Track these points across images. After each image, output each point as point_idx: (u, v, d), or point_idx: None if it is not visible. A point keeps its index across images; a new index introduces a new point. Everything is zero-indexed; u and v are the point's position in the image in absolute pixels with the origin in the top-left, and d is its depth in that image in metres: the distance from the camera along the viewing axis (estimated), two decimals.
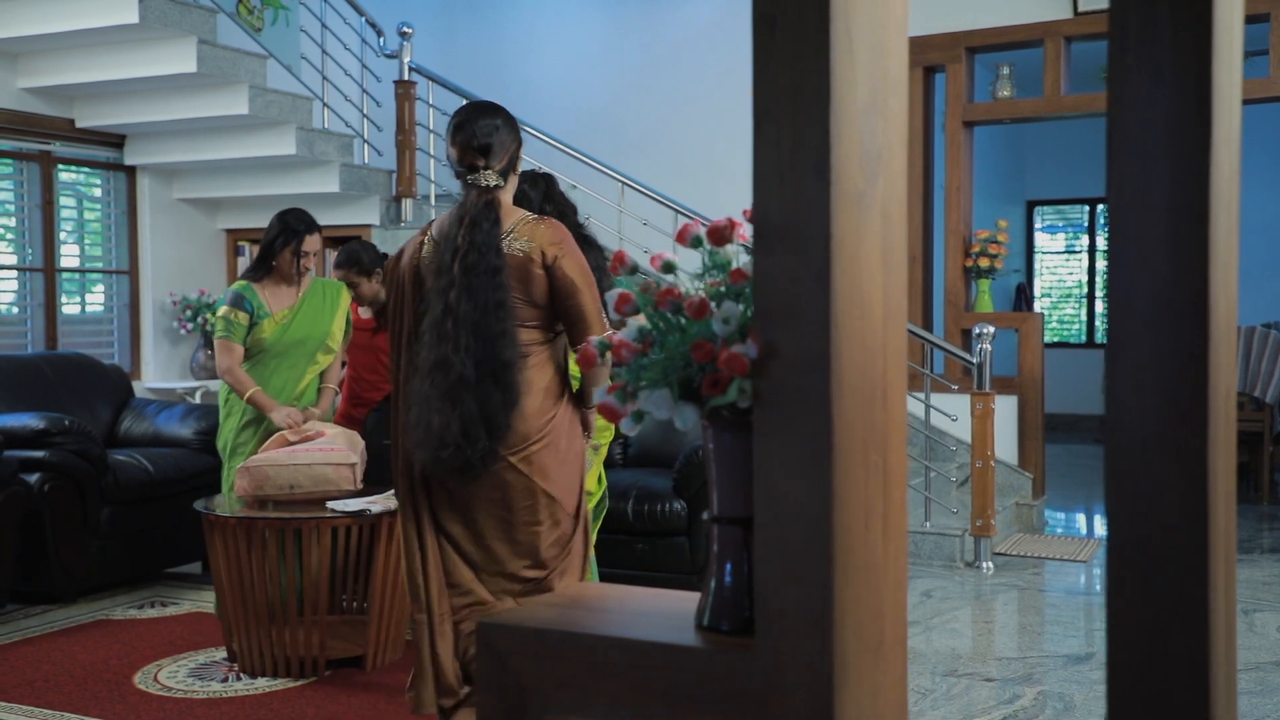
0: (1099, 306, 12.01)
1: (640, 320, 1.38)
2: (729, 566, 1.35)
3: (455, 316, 2.80)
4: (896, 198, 1.39)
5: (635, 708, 1.34)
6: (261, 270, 4.35)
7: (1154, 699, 1.06)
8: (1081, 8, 6.33)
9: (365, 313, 4.97)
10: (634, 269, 1.38)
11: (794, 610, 1.23)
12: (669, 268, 1.41)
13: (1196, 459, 1.05)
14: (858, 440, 1.27)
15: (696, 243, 1.39)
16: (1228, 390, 1.12)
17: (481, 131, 2.94)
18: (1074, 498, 7.60)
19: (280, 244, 4.33)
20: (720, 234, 1.30)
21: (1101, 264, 12.00)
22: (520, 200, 3.91)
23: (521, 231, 2.93)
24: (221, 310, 4.29)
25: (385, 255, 4.92)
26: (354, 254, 4.83)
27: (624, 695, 1.34)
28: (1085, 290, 12.07)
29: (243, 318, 4.28)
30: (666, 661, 1.31)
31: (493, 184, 2.94)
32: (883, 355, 1.35)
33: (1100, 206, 11.87)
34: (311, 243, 4.38)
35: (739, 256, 1.38)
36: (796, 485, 1.22)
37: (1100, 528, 6.78)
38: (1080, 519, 7.06)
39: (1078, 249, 12.13)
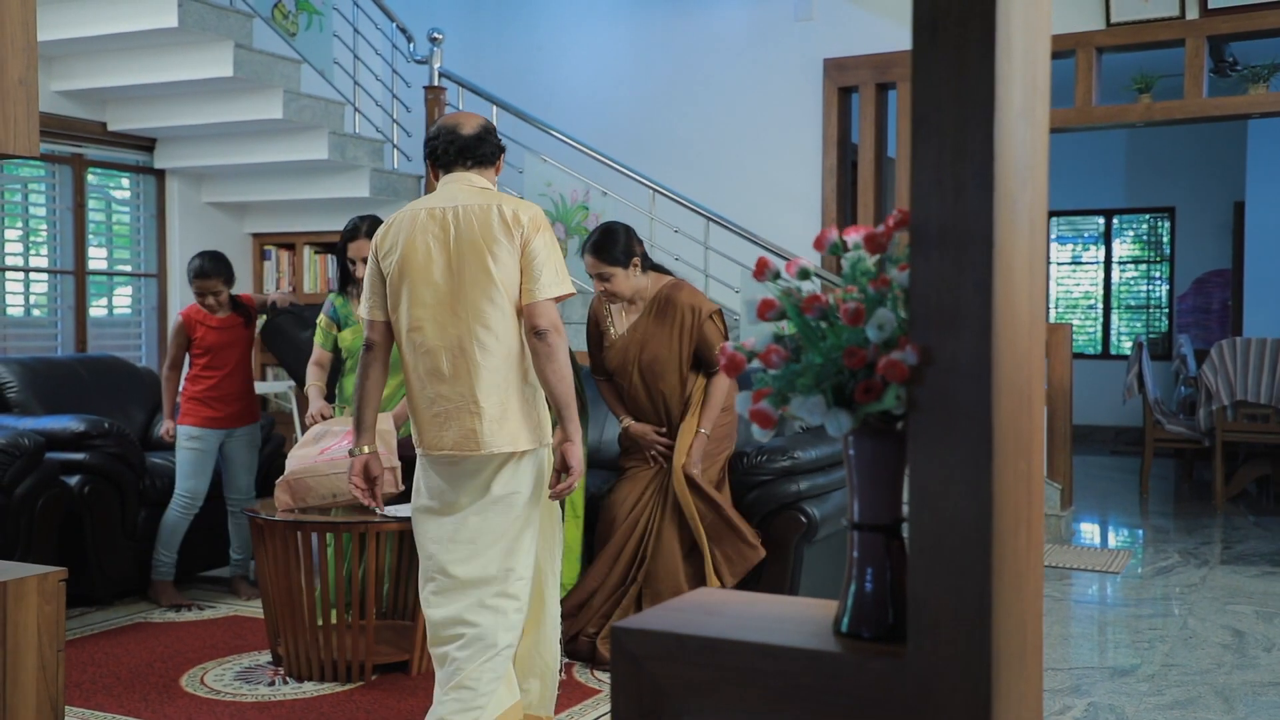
0: (1115, 319, 12.00)
1: (773, 327, 1.38)
2: (870, 573, 1.35)
3: None
4: (1040, 205, 1.39)
5: (776, 713, 1.33)
6: (345, 281, 4.58)
7: None
8: (1114, 19, 6.34)
9: (224, 312, 4.96)
10: (776, 274, 1.38)
11: (950, 617, 1.22)
12: (805, 274, 1.41)
13: None
14: (1010, 447, 1.27)
15: (836, 249, 1.39)
16: None
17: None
18: (1099, 508, 7.59)
19: (338, 250, 4.47)
20: (877, 241, 1.30)
21: (1118, 275, 11.99)
22: None
23: None
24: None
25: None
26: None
27: (765, 701, 1.33)
28: (1098, 301, 12.06)
29: (326, 323, 4.55)
30: (812, 667, 1.30)
31: None
32: (1028, 361, 1.35)
33: (1116, 217, 11.87)
34: (355, 249, 4.41)
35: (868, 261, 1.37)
36: (955, 492, 1.22)
37: (1114, 539, 6.77)
38: (1108, 530, 7.05)
39: (1084, 260, 12.13)
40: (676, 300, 4.21)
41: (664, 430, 4.24)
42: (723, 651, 1.35)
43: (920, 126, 1.23)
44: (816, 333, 1.32)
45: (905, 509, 1.34)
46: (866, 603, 1.35)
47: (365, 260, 4.43)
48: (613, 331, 4.29)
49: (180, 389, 4.95)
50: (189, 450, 4.85)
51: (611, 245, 4.11)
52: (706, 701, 1.37)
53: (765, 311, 1.35)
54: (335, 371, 4.61)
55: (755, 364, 1.35)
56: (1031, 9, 1.30)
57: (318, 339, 4.57)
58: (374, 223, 4.43)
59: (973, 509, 1.21)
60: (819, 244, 1.40)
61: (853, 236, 1.38)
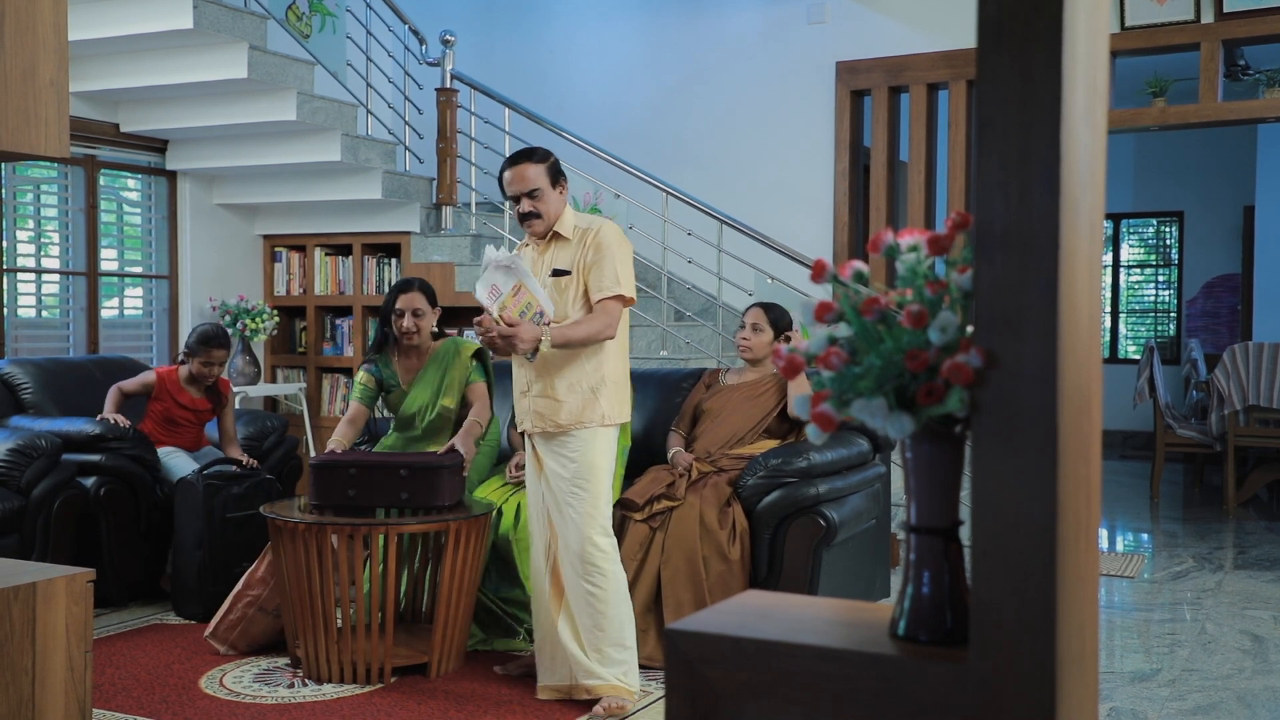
0: (1121, 324, 11.99)
1: (824, 330, 1.37)
2: (927, 576, 1.34)
3: None
4: (1098, 208, 1.39)
5: (833, 717, 1.33)
6: (383, 342, 4.55)
7: None
8: (1129, 22, 6.34)
9: (197, 393, 5.14)
10: (834, 277, 1.37)
11: (1014, 622, 1.22)
12: (860, 277, 1.40)
13: None
14: (1073, 450, 1.26)
15: (892, 252, 1.39)
16: None
17: None
18: (1109, 513, 7.59)
19: (386, 307, 4.52)
20: (940, 243, 1.29)
21: (1125, 278, 11.98)
22: None
23: None
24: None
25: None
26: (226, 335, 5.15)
27: (822, 704, 1.33)
28: (1104, 306, 12.05)
29: (366, 378, 4.52)
30: (871, 671, 1.30)
31: None
32: (1089, 364, 1.34)
33: (1124, 221, 11.87)
34: (406, 300, 4.46)
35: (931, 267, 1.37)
36: (1019, 495, 1.21)
37: (1126, 543, 6.77)
38: (1119, 534, 7.05)
39: None
40: None
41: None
42: (779, 655, 1.34)
43: (985, 129, 1.22)
44: (875, 335, 1.32)
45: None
46: (924, 606, 1.34)
47: (415, 312, 4.44)
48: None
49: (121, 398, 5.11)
50: (173, 456, 5.06)
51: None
52: (762, 704, 1.37)
53: (823, 314, 1.34)
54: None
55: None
56: (1094, 10, 1.30)
57: (356, 394, 4.48)
58: (423, 282, 4.51)
59: (1037, 512, 1.21)
60: (873, 247, 1.39)
61: (908, 239, 1.37)
